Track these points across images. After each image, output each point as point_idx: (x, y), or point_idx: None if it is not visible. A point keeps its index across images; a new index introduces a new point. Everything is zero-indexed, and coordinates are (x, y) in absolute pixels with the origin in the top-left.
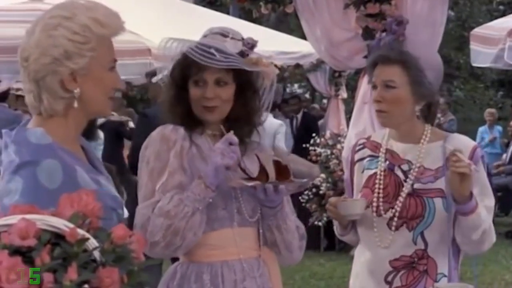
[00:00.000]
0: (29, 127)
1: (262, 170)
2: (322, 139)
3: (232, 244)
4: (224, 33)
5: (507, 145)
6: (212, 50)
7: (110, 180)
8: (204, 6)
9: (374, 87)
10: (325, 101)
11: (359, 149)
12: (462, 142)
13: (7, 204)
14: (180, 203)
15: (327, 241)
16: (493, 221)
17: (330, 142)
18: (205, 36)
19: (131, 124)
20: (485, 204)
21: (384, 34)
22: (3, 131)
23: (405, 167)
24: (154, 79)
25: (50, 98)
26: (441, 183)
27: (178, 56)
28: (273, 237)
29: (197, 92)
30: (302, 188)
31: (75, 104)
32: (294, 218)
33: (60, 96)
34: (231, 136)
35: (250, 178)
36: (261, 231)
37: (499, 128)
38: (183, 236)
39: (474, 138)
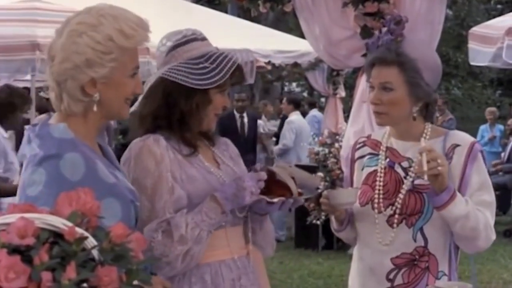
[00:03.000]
0: (51, 123)
1: (281, 185)
2: (320, 138)
3: (225, 244)
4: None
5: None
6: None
7: (125, 175)
8: (202, 4)
9: (372, 87)
10: (323, 99)
11: (360, 147)
12: (462, 138)
13: (30, 194)
14: (196, 227)
15: (325, 240)
16: None
17: (328, 141)
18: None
19: None
20: (483, 199)
21: (384, 30)
22: (26, 126)
23: (405, 164)
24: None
25: (69, 100)
26: None
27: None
28: (255, 238)
29: (221, 100)
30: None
31: (95, 108)
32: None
33: (79, 99)
34: (262, 174)
35: (264, 193)
36: (250, 227)
37: (500, 127)
38: (197, 259)
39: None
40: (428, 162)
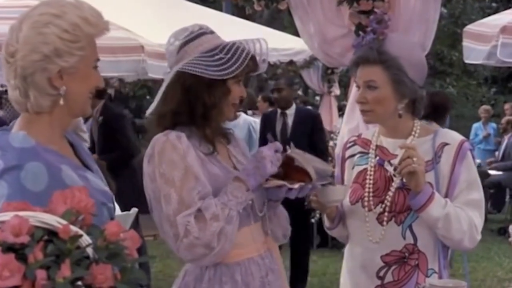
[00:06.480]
0: (12, 131)
1: (299, 171)
2: None
3: (251, 241)
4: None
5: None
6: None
7: (98, 174)
8: (197, 3)
9: (358, 87)
10: (318, 98)
11: (350, 146)
12: (451, 137)
13: None
14: (225, 207)
15: (320, 238)
16: (486, 218)
17: None
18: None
19: None
20: (472, 198)
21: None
22: None
23: (395, 161)
24: None
25: (37, 95)
26: (429, 177)
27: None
28: (271, 226)
29: (238, 90)
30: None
31: (61, 102)
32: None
33: (47, 93)
34: (278, 143)
35: (284, 179)
36: (267, 221)
37: (493, 125)
38: (231, 240)
39: (466, 135)
40: (403, 159)
